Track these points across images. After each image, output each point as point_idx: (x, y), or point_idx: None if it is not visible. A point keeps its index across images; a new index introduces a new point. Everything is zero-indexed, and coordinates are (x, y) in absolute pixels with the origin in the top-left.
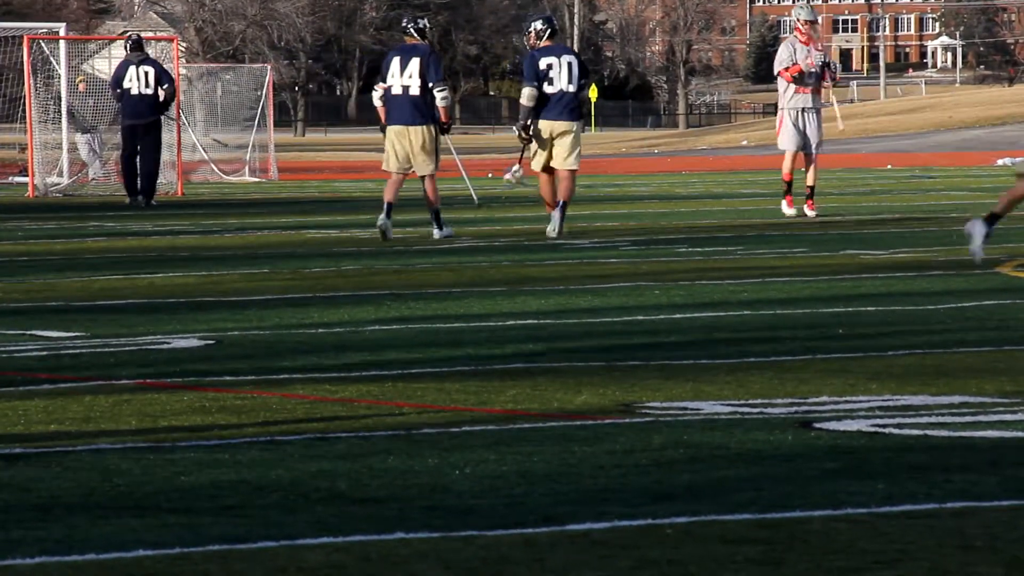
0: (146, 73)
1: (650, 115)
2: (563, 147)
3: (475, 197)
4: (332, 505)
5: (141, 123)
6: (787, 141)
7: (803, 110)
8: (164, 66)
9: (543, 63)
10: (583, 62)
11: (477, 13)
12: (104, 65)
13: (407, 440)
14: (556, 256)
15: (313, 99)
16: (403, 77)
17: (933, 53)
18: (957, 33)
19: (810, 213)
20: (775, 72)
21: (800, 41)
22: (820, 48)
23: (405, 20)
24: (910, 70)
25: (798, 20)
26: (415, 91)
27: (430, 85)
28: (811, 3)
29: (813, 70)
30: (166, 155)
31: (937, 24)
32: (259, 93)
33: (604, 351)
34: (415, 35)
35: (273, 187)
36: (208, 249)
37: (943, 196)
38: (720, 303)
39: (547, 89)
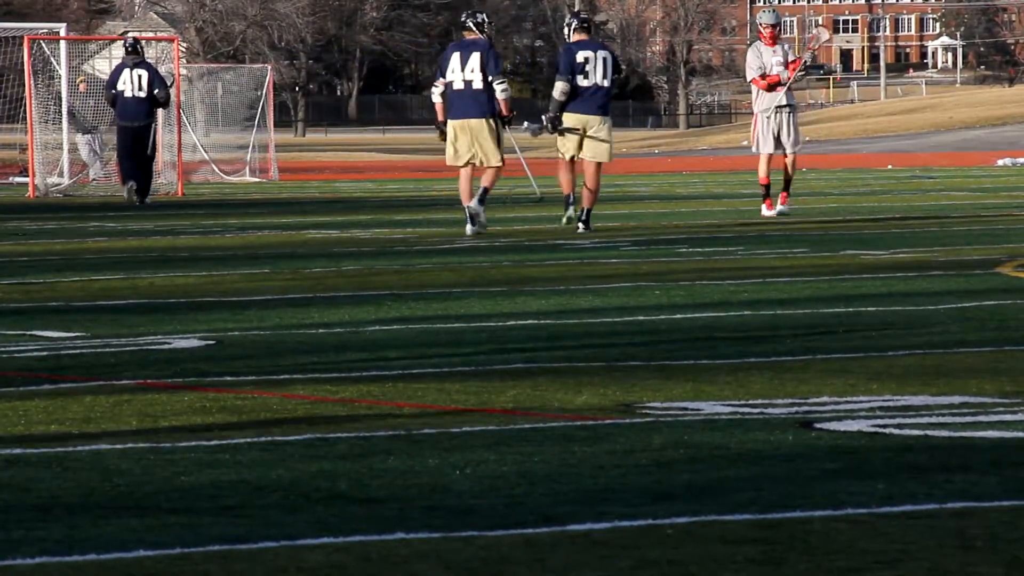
0: (139, 76)
1: (651, 115)
2: (597, 140)
3: (537, 190)
4: (332, 505)
5: (133, 125)
6: (761, 144)
7: (776, 110)
8: (160, 70)
9: (580, 56)
10: (616, 59)
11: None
12: (104, 65)
13: (407, 440)
14: (556, 256)
15: (313, 99)
16: (464, 72)
17: (933, 53)
18: (958, 33)
19: (780, 206)
20: (748, 79)
21: (765, 44)
22: (807, 49)
23: (465, 15)
24: (911, 70)
25: (761, 24)
26: (478, 85)
27: (490, 79)
28: (773, 7)
29: (784, 71)
30: (166, 155)
31: (938, 24)
32: (259, 93)
33: (604, 351)
34: (474, 29)
35: (273, 187)
36: (208, 249)
37: (943, 196)
38: (721, 303)
39: (581, 83)
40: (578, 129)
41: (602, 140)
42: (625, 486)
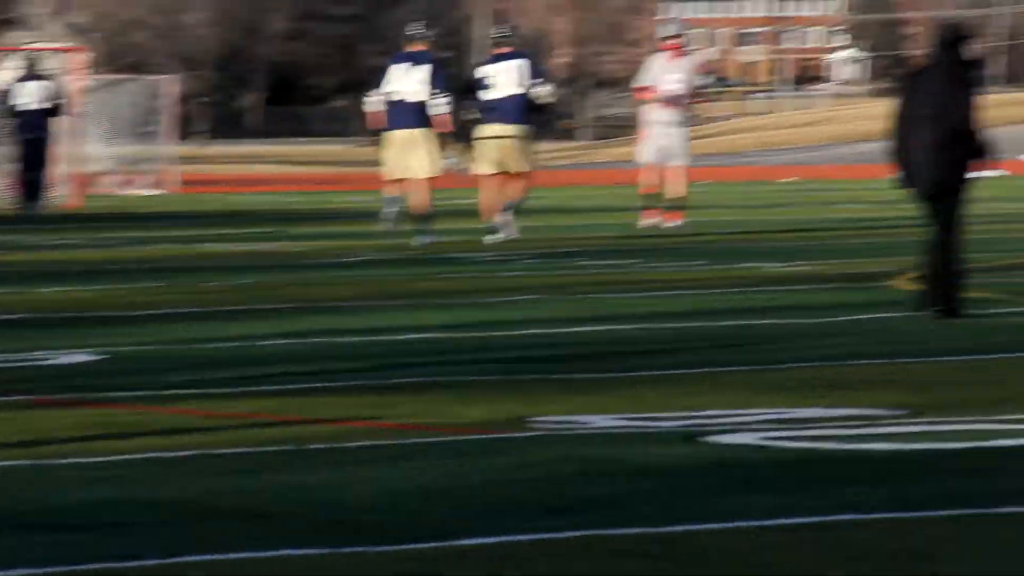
0: (39, 88)
1: (554, 128)
2: (512, 150)
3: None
4: (220, 522)
5: (31, 137)
6: (645, 154)
7: (664, 123)
8: (57, 81)
9: (480, 72)
10: (535, 64)
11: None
12: (6, 77)
13: (301, 455)
14: (456, 270)
15: (217, 111)
16: (405, 83)
17: (837, 66)
18: (862, 46)
19: (669, 223)
20: (632, 88)
21: (668, 58)
22: (700, 63)
23: (410, 26)
24: (814, 83)
25: (662, 37)
26: (416, 97)
27: (431, 93)
28: (678, 19)
29: (675, 86)
30: (64, 168)
31: (841, 38)
32: (161, 104)
33: (503, 364)
34: (420, 41)
35: (174, 200)
36: (105, 263)
37: (841, 210)
38: (619, 316)
39: (490, 95)
40: (491, 144)
41: (518, 151)
42: (519, 500)
